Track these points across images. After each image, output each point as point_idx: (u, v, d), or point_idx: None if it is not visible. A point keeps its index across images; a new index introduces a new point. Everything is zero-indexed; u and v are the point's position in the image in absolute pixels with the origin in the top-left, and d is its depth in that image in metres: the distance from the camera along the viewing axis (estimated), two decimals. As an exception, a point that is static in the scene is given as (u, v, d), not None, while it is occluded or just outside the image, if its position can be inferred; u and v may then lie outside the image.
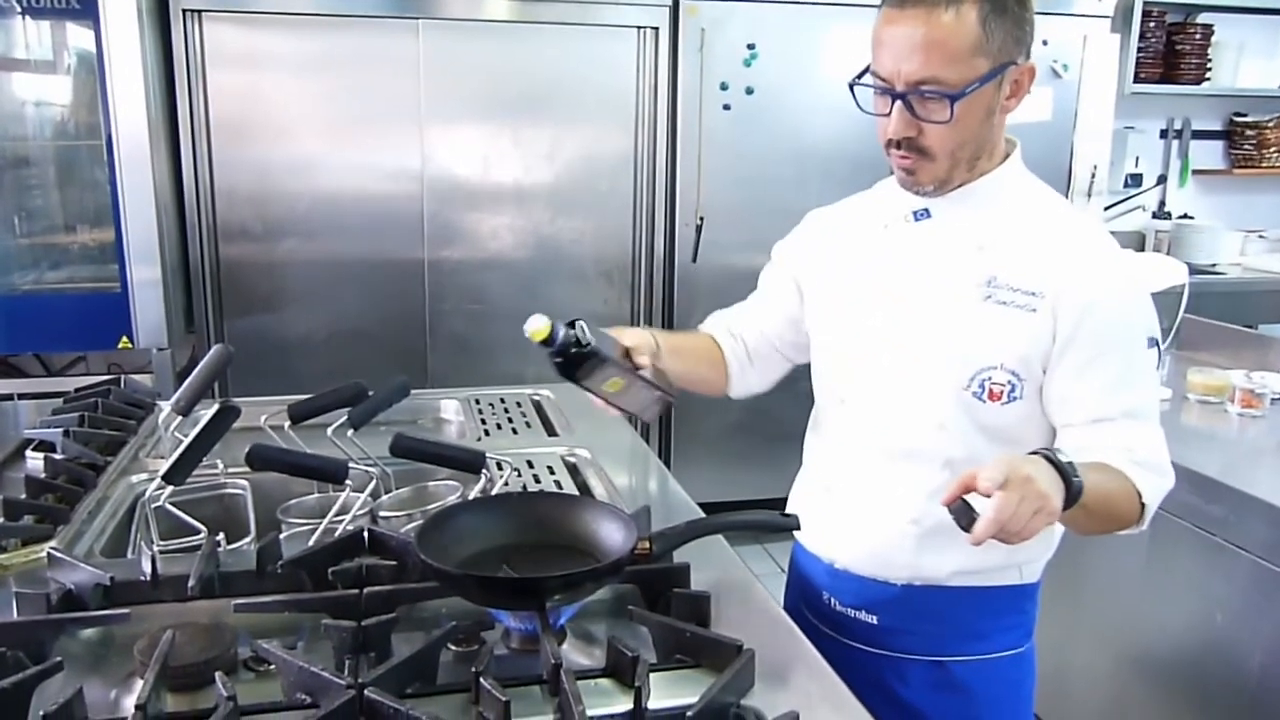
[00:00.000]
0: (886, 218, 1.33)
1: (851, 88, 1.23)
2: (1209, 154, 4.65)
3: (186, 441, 1.31)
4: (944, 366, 1.24)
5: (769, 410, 3.81)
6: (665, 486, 1.71)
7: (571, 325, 1.20)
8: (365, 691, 0.92)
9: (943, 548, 1.28)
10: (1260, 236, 4.52)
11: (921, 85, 1.14)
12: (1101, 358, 1.20)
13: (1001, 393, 1.23)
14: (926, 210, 1.27)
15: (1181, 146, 4.57)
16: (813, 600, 1.44)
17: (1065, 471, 1.05)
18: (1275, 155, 4.55)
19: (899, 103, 1.16)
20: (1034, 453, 1.07)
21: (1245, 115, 4.59)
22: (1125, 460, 1.18)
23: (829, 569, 1.41)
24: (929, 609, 1.33)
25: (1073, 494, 1.05)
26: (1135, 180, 4.49)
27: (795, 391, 4.11)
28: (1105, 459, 1.18)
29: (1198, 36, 4.29)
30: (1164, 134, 4.55)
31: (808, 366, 1.51)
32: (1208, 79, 4.35)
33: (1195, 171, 4.57)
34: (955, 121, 1.15)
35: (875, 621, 1.36)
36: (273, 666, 1.02)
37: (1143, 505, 1.19)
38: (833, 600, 1.41)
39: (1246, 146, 4.59)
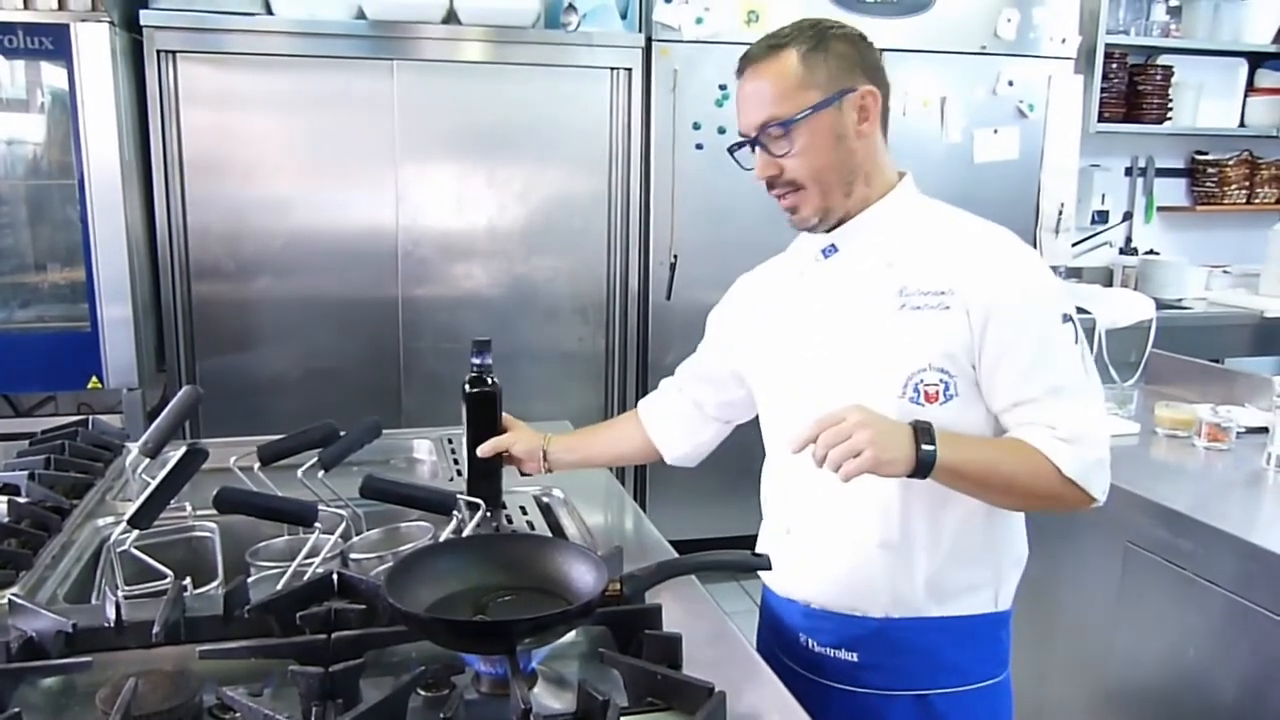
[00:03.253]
0: (800, 265, 1.41)
1: (732, 152, 1.37)
2: (1172, 191, 4.73)
3: (153, 485, 1.30)
4: (875, 379, 1.28)
5: (746, 447, 3.81)
6: (638, 526, 1.70)
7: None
8: (332, 739, 0.91)
9: (914, 563, 1.31)
10: (1224, 271, 4.59)
11: (765, 126, 1.28)
12: (1015, 341, 1.24)
13: (936, 393, 1.26)
14: (833, 245, 1.35)
15: (1146, 184, 4.65)
16: (789, 643, 1.44)
17: (919, 438, 1.18)
18: (1236, 192, 4.65)
19: (758, 148, 1.30)
20: (912, 423, 1.19)
21: (1206, 154, 4.69)
22: (1044, 436, 1.24)
23: (804, 610, 1.41)
24: (908, 642, 1.34)
25: (921, 459, 1.17)
26: (1102, 217, 4.56)
27: (770, 428, 4.06)
28: (1022, 435, 1.25)
29: (1158, 77, 4.39)
30: (1129, 171, 4.63)
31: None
32: (1169, 118, 4.44)
33: (1160, 208, 4.66)
34: (803, 148, 1.27)
35: (855, 659, 1.36)
36: (238, 714, 1.01)
37: (1068, 479, 1.23)
38: (810, 641, 1.40)
39: (1208, 184, 4.68)
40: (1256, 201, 4.70)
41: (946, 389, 1.26)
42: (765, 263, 1.54)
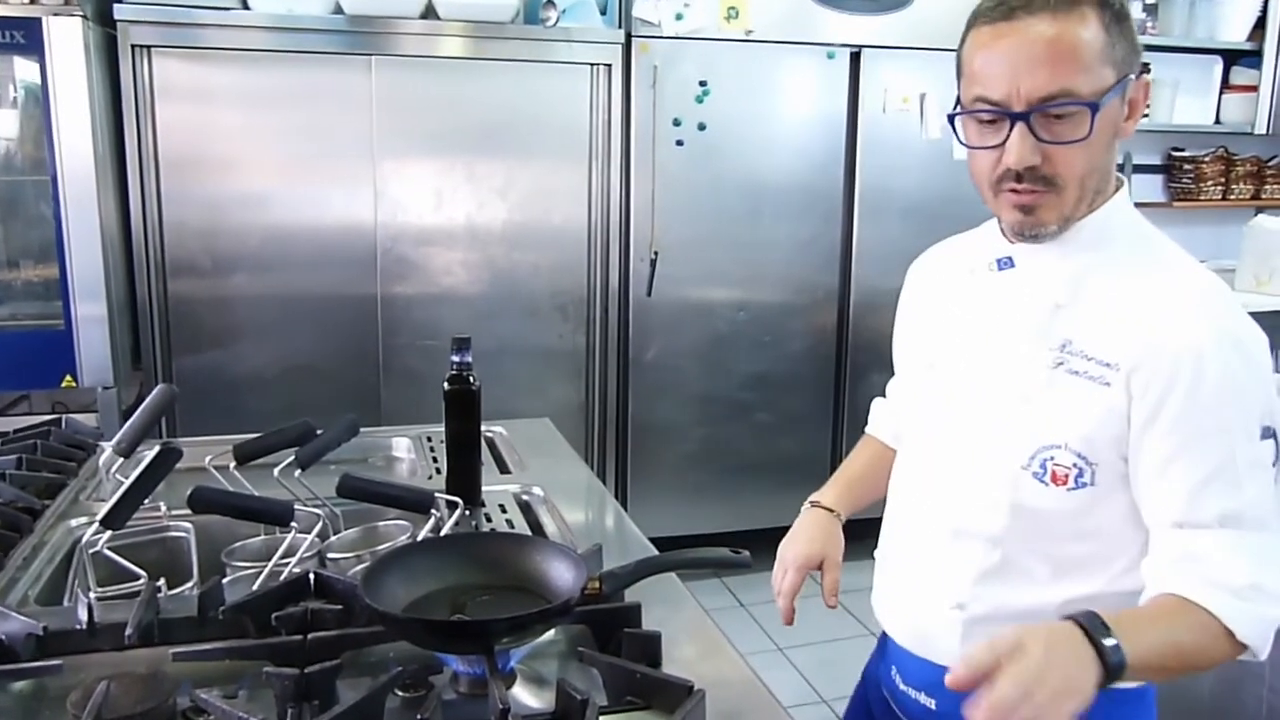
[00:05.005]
0: (974, 263, 1.19)
1: (952, 120, 1.09)
2: (1150, 187, 4.77)
3: (126, 485, 1.28)
4: (1003, 439, 1.11)
5: (727, 443, 3.85)
6: (619, 524, 1.69)
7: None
8: (306, 742, 0.90)
9: (991, 631, 1.14)
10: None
11: (1051, 100, 1.00)
12: (1191, 447, 1.01)
13: (1067, 476, 1.07)
14: (1010, 259, 1.13)
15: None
16: (882, 673, 1.34)
17: (1099, 646, 0.90)
18: (1212, 188, 4.69)
19: (1020, 126, 1.01)
20: (1068, 617, 0.94)
21: (1183, 150, 4.72)
22: (1210, 588, 0.99)
23: (891, 642, 1.30)
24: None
25: (1111, 669, 0.90)
26: (1081, 213, 4.59)
27: (753, 424, 4.14)
28: (1179, 587, 1.00)
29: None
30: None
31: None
32: (1146, 115, 4.46)
33: (1137, 204, 4.65)
34: (1091, 140, 1.01)
35: (933, 706, 1.22)
36: (212, 717, 1.00)
37: (1240, 643, 0.99)
38: (897, 676, 1.29)
39: (1185, 180, 4.71)
40: (1232, 197, 4.74)
41: (1080, 475, 1.06)
42: (944, 242, 1.32)
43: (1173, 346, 1.01)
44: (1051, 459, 1.07)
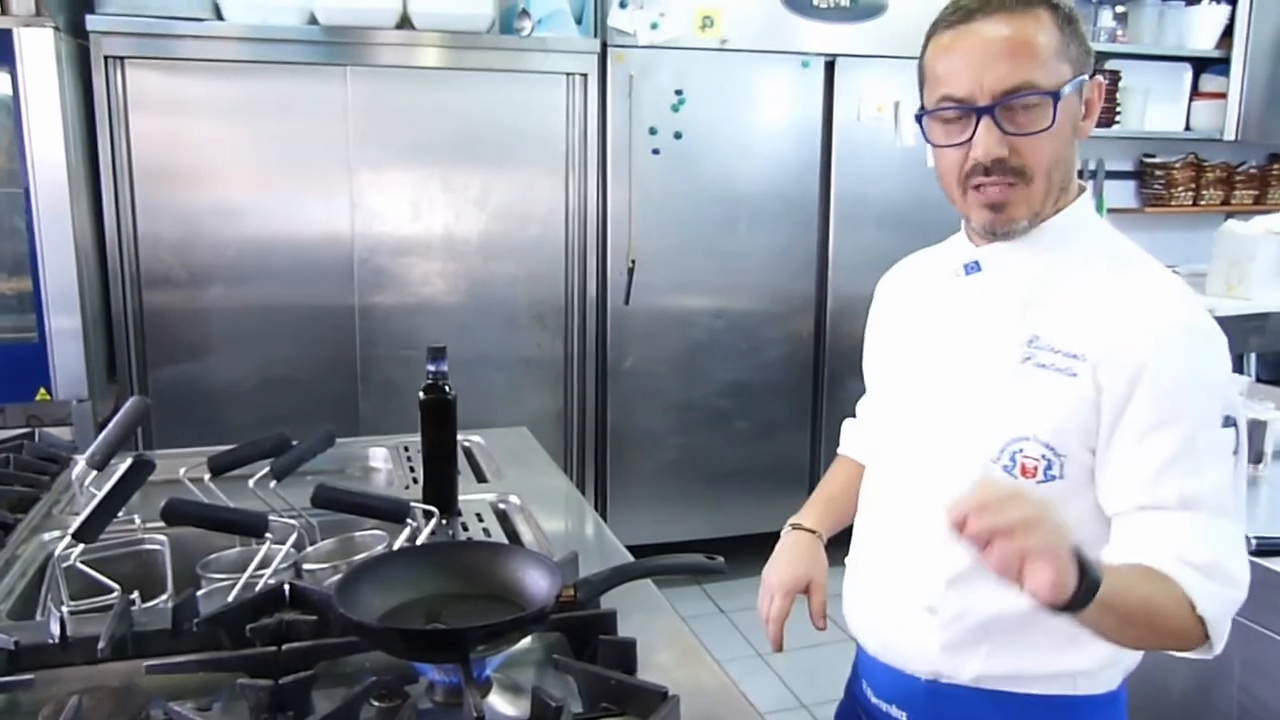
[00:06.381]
0: (941, 272, 1.22)
1: (919, 119, 1.12)
2: (1122, 193, 4.82)
3: (98, 498, 1.27)
4: (973, 435, 1.12)
5: (705, 451, 3.85)
6: (595, 532, 1.70)
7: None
8: (281, 753, 0.90)
9: (966, 646, 1.14)
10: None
11: (1014, 92, 1.04)
12: (1155, 432, 1.03)
13: (1035, 469, 1.08)
14: (976, 263, 1.15)
15: (1096, 186, 4.73)
16: (855, 686, 1.34)
17: (1083, 562, 0.88)
18: (1183, 194, 4.74)
19: (986, 119, 1.04)
20: None
21: (1154, 156, 4.78)
22: (1174, 562, 1.00)
23: (862, 653, 1.30)
24: (958, 712, 1.18)
25: (1088, 583, 0.88)
26: (1054, 219, 4.63)
27: (731, 431, 4.15)
28: (1147, 559, 1.01)
29: (1106, 82, 4.44)
30: (1080, 174, 4.71)
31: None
32: (1117, 122, 4.52)
33: (1110, 210, 4.74)
34: (1054, 131, 1.04)
35: (905, 719, 1.23)
36: (186, 730, 1.00)
37: (1200, 619, 1.00)
38: (868, 689, 1.29)
39: (1156, 186, 4.77)
40: (1202, 203, 4.80)
41: (1049, 467, 1.07)
42: (912, 256, 1.34)
43: (1139, 338, 1.03)
44: (1021, 451, 1.08)
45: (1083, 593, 0.88)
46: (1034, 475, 1.08)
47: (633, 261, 3.53)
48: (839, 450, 1.53)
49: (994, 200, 1.08)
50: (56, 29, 2.78)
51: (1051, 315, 1.10)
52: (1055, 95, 1.04)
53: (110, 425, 1.52)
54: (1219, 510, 1.04)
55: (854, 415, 1.52)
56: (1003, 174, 1.06)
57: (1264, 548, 1.63)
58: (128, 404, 1.53)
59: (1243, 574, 1.04)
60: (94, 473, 1.53)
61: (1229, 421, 1.04)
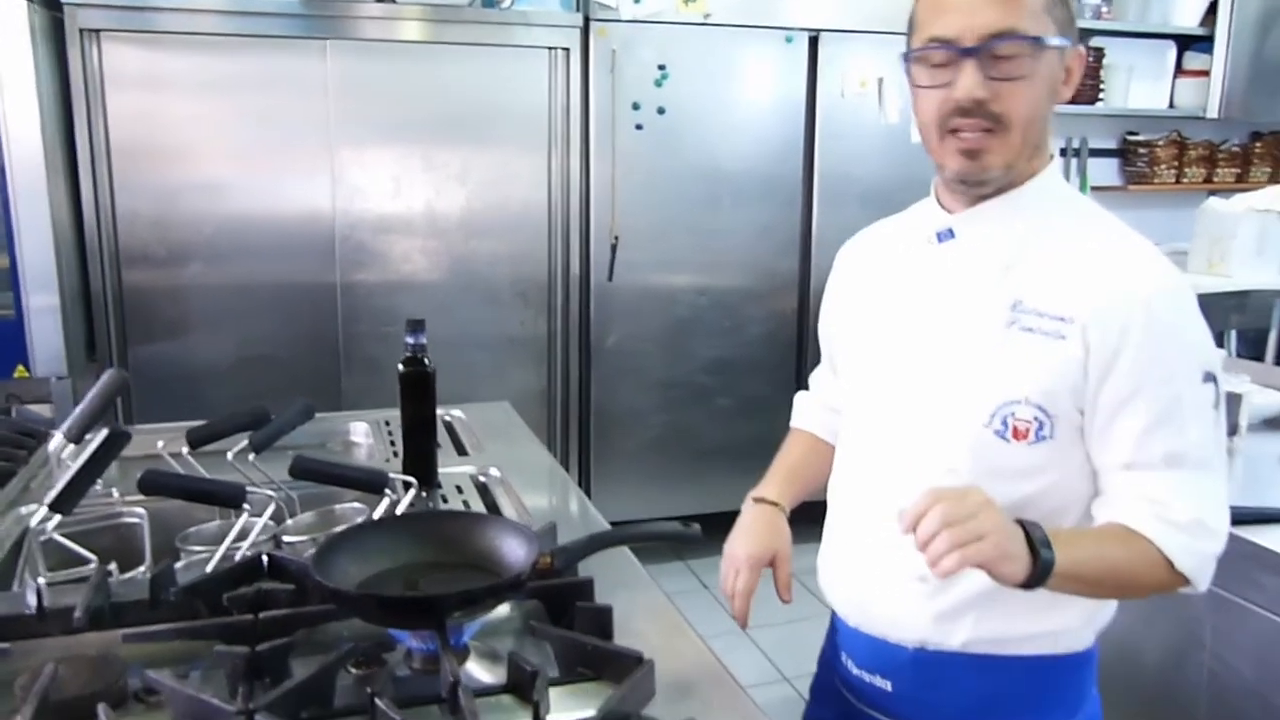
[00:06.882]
0: (909, 241, 1.23)
1: (906, 59, 1.13)
2: (1105, 171, 4.83)
3: (74, 468, 1.27)
4: (962, 401, 1.12)
5: (689, 427, 3.86)
6: (576, 504, 1.70)
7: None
8: (255, 717, 0.90)
9: (956, 612, 1.15)
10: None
11: (1000, 36, 1.04)
12: (1140, 393, 1.06)
13: (1028, 430, 1.09)
14: (950, 230, 1.15)
15: (1080, 164, 4.73)
16: (833, 659, 1.34)
17: (1034, 545, 0.99)
18: (1166, 172, 4.76)
19: (971, 61, 1.05)
20: (1016, 521, 1.01)
21: (1137, 134, 4.79)
22: (1154, 521, 1.06)
23: (843, 626, 1.29)
24: (944, 678, 1.19)
25: (1041, 563, 0.98)
26: (1037, 196, 4.64)
27: (714, 408, 4.15)
28: (1127, 519, 1.07)
29: (1091, 59, 4.47)
30: (1064, 152, 4.71)
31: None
32: (1101, 99, 4.53)
33: (1094, 188, 4.75)
34: (1034, 80, 1.06)
35: (889, 689, 1.22)
36: (163, 697, 1.00)
37: (1179, 573, 1.06)
38: (849, 661, 1.28)
39: (1139, 164, 4.78)
40: (1185, 181, 4.82)
41: (1040, 428, 1.09)
42: (872, 226, 1.34)
43: (1123, 301, 1.06)
44: (1013, 414, 1.09)
45: (1038, 573, 0.99)
46: (1026, 437, 1.10)
47: (616, 238, 3.52)
48: (792, 424, 1.52)
49: (970, 146, 1.09)
50: (30, 1, 2.75)
51: (1033, 279, 1.11)
52: (1040, 41, 1.05)
53: (86, 398, 1.51)
54: (1202, 464, 1.08)
55: (806, 389, 1.52)
56: (983, 118, 1.07)
57: (1236, 517, 1.63)
58: (104, 376, 1.52)
59: (1221, 526, 1.09)
60: (71, 446, 1.52)
61: (1209, 377, 1.07)
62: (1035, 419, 1.09)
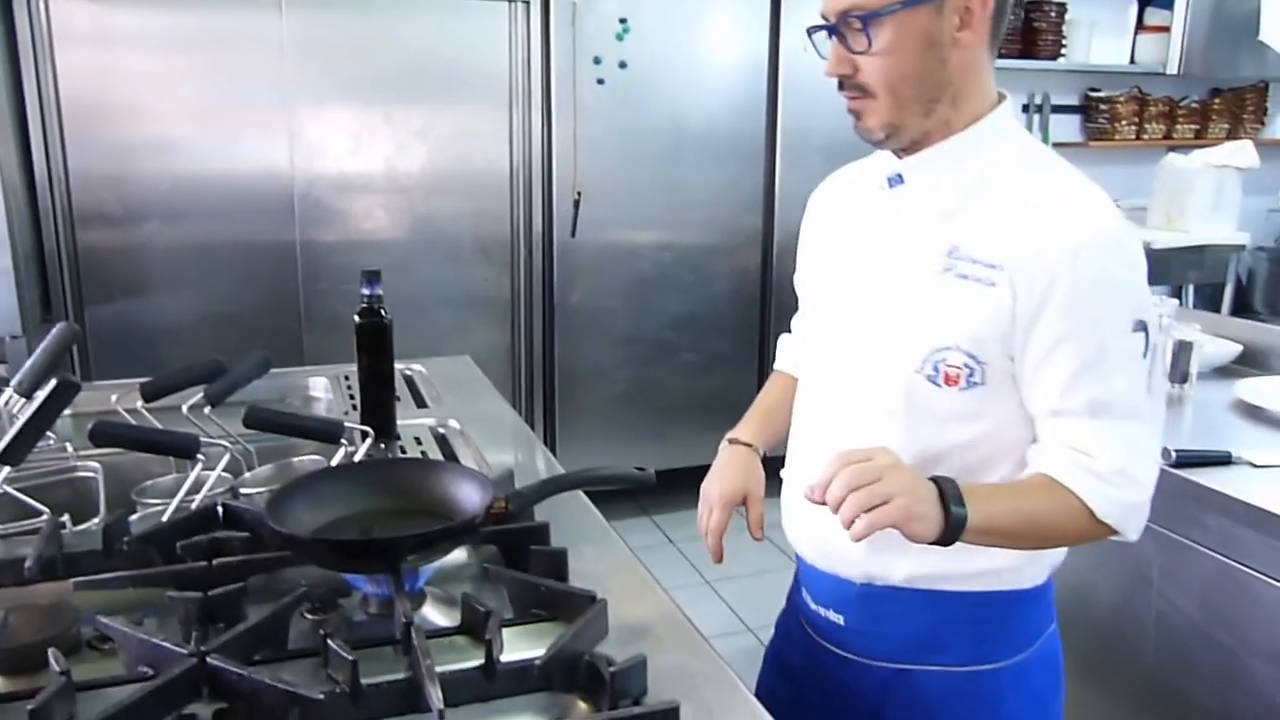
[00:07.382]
0: (868, 185, 1.24)
1: (810, 34, 1.16)
2: (1067, 127, 4.86)
3: (23, 419, 1.26)
4: (896, 346, 1.14)
5: (653, 382, 3.87)
6: (540, 457, 1.71)
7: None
8: (207, 659, 0.91)
9: (895, 549, 1.13)
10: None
11: (845, 14, 1.08)
12: (1067, 341, 1.06)
13: (958, 376, 1.10)
14: (900, 175, 1.17)
15: (1042, 120, 4.76)
16: (795, 595, 1.37)
17: (946, 498, 1.02)
18: (1126, 128, 4.80)
19: (833, 38, 1.10)
20: (931, 478, 1.04)
21: (1099, 90, 4.82)
22: (1077, 471, 1.08)
23: (802, 563, 1.32)
24: (891, 612, 1.21)
25: (952, 521, 1.02)
26: (999, 153, 4.66)
27: (679, 364, 4.16)
28: (1051, 469, 1.09)
29: (1053, 15, 4.48)
30: (1025, 109, 4.74)
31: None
32: (1063, 55, 4.54)
33: (1055, 144, 4.77)
34: (885, 49, 1.07)
35: (842, 622, 1.25)
36: (117, 643, 1.00)
37: (1102, 522, 1.08)
38: (808, 597, 1.31)
39: (1100, 120, 4.81)
40: (1145, 137, 4.86)
41: (971, 375, 1.10)
42: (841, 170, 1.36)
43: (1052, 247, 1.05)
44: (944, 360, 1.10)
45: (949, 530, 1.02)
46: (957, 383, 1.11)
47: (578, 194, 3.51)
48: (775, 366, 1.54)
49: (852, 109, 1.14)
50: (-28, -48, 2.68)
51: (970, 226, 1.11)
52: (870, 18, 1.07)
53: (36, 352, 1.49)
54: (1129, 413, 1.08)
55: (789, 332, 1.54)
56: (852, 89, 1.12)
57: (1183, 460, 1.69)
58: (54, 330, 1.50)
59: (1147, 475, 1.10)
60: (22, 400, 1.51)
61: (1140, 326, 1.07)
62: (965, 365, 1.10)
